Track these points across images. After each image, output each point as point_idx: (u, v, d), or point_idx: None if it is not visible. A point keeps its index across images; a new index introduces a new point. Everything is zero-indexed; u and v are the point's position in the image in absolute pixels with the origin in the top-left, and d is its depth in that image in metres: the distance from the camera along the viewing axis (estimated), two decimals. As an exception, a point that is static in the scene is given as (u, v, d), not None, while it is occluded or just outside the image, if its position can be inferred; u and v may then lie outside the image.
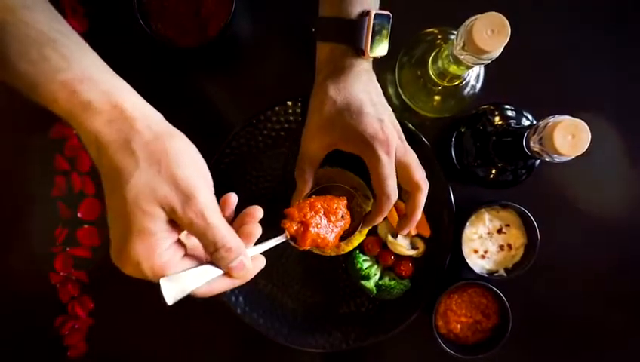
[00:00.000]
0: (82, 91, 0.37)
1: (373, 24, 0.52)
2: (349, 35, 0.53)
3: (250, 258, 0.44)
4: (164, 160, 0.38)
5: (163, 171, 0.38)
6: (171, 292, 0.39)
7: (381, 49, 0.54)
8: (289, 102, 0.63)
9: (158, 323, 0.68)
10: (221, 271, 0.42)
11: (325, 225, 0.53)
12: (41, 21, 0.39)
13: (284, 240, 0.51)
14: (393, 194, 0.53)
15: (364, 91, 0.54)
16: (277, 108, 0.63)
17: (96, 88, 0.38)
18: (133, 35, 0.61)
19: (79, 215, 0.67)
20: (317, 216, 0.53)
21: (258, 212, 0.46)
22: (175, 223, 0.40)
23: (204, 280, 0.42)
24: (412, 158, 0.54)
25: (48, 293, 0.67)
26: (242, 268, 0.42)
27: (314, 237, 0.52)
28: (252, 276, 0.44)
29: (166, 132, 0.40)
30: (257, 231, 0.45)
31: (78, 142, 0.67)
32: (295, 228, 0.52)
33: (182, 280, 0.40)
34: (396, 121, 0.55)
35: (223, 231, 0.41)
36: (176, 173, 0.38)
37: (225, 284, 0.43)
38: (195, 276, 0.41)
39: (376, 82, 0.56)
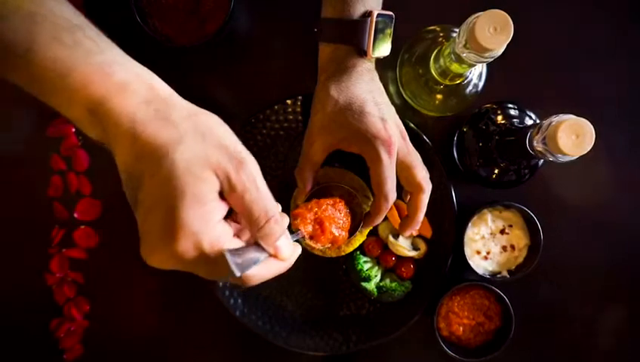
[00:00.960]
0: (118, 72, 0.37)
1: (376, 24, 0.52)
2: (352, 36, 0.53)
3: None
4: (208, 131, 0.37)
5: (209, 140, 0.37)
6: (236, 264, 0.36)
7: (384, 49, 0.54)
8: (288, 101, 0.62)
9: (155, 326, 0.67)
10: (266, 254, 0.40)
11: (339, 217, 0.54)
12: (67, 11, 0.39)
13: (301, 236, 0.51)
14: (391, 194, 0.53)
15: (366, 91, 0.53)
16: (276, 107, 0.63)
17: (130, 70, 0.38)
18: (130, 33, 0.60)
19: (76, 215, 0.66)
20: (327, 213, 0.53)
21: (278, 207, 0.45)
22: (222, 198, 0.38)
23: (257, 262, 0.39)
24: (415, 159, 0.54)
25: (44, 295, 0.66)
26: (286, 248, 0.41)
27: (330, 231, 0.53)
28: (293, 261, 0.43)
29: (201, 110, 0.39)
30: (286, 219, 0.44)
31: (75, 140, 0.66)
32: (310, 227, 0.52)
33: (241, 256, 0.37)
34: (400, 121, 0.55)
35: (273, 202, 0.39)
36: (224, 141, 0.37)
37: (272, 269, 0.41)
38: (249, 254, 0.39)
39: (379, 82, 0.56)
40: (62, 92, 0.36)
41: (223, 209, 0.38)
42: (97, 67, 0.36)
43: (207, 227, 0.36)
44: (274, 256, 0.41)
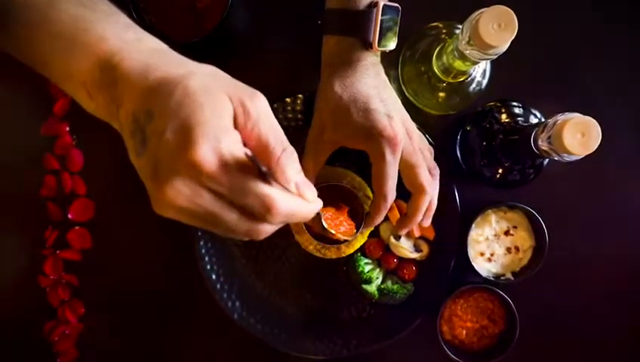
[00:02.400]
0: (131, 30, 0.39)
1: (382, 16, 0.51)
2: (357, 27, 0.52)
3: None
4: (217, 74, 0.37)
5: (220, 77, 0.37)
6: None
7: (390, 42, 0.53)
8: (288, 100, 0.61)
9: (151, 329, 0.66)
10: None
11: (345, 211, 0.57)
12: None
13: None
14: (390, 194, 0.52)
15: (371, 86, 0.52)
16: (275, 105, 0.62)
17: (141, 32, 0.40)
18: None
19: (70, 216, 0.65)
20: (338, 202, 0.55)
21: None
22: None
23: None
24: (419, 158, 0.53)
25: (37, 297, 0.65)
26: (306, 185, 0.38)
27: (347, 209, 0.55)
28: (316, 209, 0.39)
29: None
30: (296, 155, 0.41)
31: (69, 140, 0.65)
32: (330, 216, 0.53)
33: None
34: (407, 116, 0.54)
35: (284, 135, 0.38)
36: (234, 81, 0.37)
37: (294, 204, 0.37)
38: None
39: (385, 77, 0.55)
40: (77, 47, 0.37)
41: (238, 135, 0.36)
42: (113, 24, 0.39)
43: (227, 136, 0.34)
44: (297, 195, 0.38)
